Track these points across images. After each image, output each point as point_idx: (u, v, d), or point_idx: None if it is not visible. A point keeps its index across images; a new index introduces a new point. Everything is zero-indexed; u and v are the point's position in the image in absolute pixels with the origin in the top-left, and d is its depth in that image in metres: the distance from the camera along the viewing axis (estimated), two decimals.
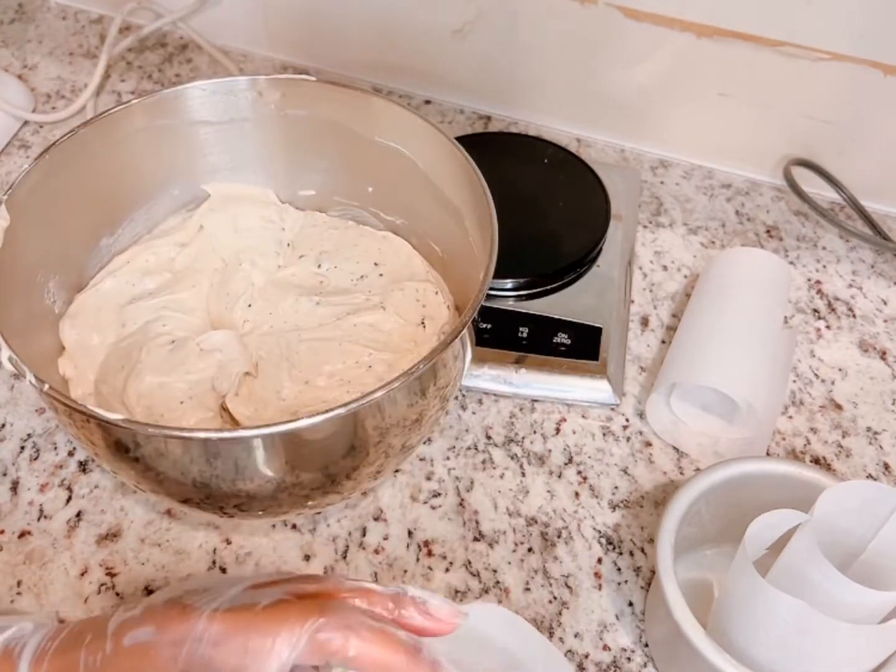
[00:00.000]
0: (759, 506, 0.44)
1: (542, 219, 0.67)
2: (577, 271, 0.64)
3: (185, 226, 0.59)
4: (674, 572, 0.45)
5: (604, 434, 0.59)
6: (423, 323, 0.55)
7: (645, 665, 0.49)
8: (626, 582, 0.52)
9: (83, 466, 0.56)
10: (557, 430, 0.59)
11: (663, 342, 0.64)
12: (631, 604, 0.51)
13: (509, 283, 0.62)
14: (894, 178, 0.71)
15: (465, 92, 0.79)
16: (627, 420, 0.59)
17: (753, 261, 0.62)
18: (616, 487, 0.56)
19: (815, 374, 0.62)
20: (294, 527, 0.54)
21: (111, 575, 0.51)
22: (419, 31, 0.76)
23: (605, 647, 0.49)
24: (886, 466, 0.58)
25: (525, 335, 0.60)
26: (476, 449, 0.58)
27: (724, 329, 0.58)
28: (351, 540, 0.53)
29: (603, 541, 0.54)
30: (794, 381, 0.62)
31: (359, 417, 0.43)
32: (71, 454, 0.56)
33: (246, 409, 0.50)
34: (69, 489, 0.55)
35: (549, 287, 0.63)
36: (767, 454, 0.57)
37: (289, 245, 0.60)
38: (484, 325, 0.61)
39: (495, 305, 0.62)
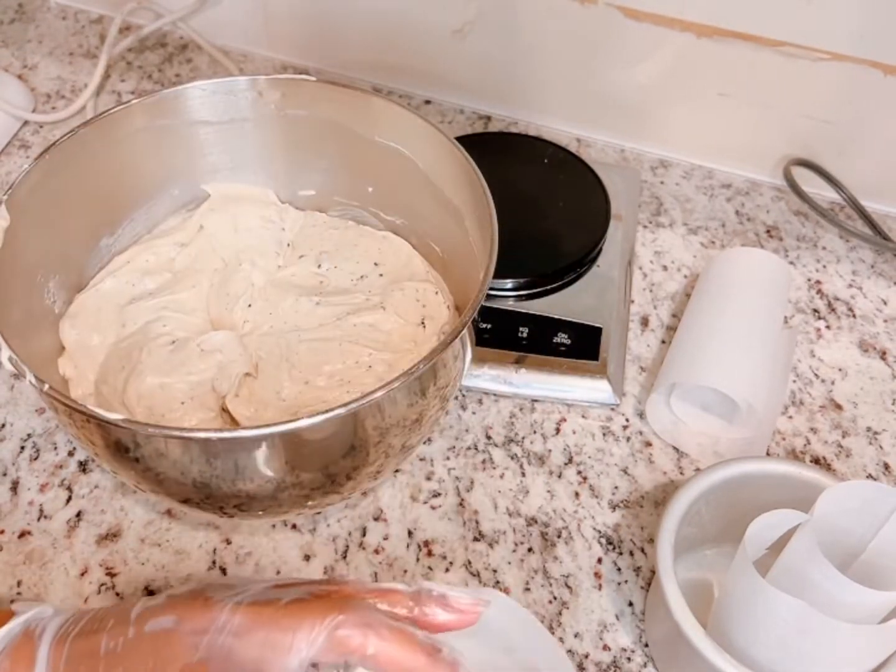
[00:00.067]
0: (759, 506, 0.44)
1: (542, 219, 0.67)
2: (577, 271, 0.64)
3: (185, 226, 0.59)
4: (674, 572, 0.45)
5: (604, 434, 0.59)
6: (423, 323, 0.55)
7: (645, 665, 0.49)
8: (626, 582, 0.52)
9: (83, 466, 0.56)
10: (557, 430, 0.59)
11: (663, 342, 0.64)
12: (631, 604, 0.51)
13: (509, 283, 0.62)
14: (894, 178, 0.71)
15: (465, 92, 0.79)
16: (627, 420, 0.59)
17: (753, 261, 0.62)
18: (616, 487, 0.56)
19: (815, 374, 0.62)
20: (294, 527, 0.54)
21: (111, 575, 0.51)
22: (419, 31, 0.76)
23: (605, 647, 0.50)
24: (886, 466, 0.58)
25: (525, 335, 0.60)
26: (476, 449, 0.58)
27: (724, 329, 0.58)
28: (351, 540, 0.53)
29: (603, 541, 0.54)
30: (794, 381, 0.62)
31: (359, 417, 0.43)
32: (71, 454, 0.56)
33: (246, 409, 0.50)
34: (69, 489, 0.55)
35: (549, 287, 0.63)
36: (767, 454, 0.57)
37: (289, 245, 0.60)
38: (484, 325, 0.61)
39: (495, 305, 0.62)
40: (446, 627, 0.36)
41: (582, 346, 0.60)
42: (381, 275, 0.58)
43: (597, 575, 0.52)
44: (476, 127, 0.79)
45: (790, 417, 0.60)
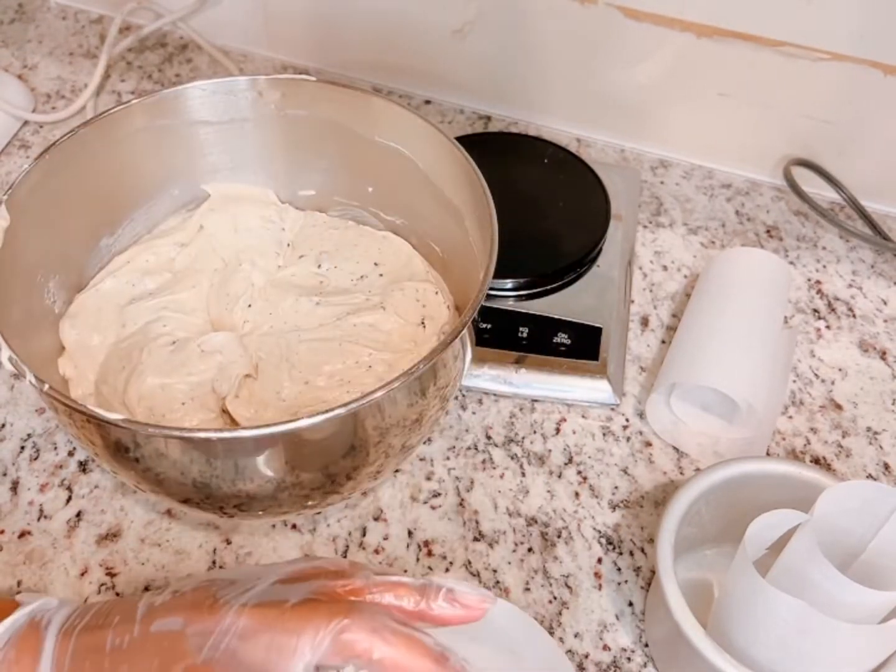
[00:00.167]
0: (759, 506, 0.44)
1: (542, 219, 0.67)
2: (577, 271, 0.64)
3: (185, 226, 0.59)
4: (674, 572, 0.45)
5: (604, 434, 0.59)
6: (423, 323, 0.55)
7: (645, 665, 0.49)
8: (626, 582, 0.52)
9: (83, 466, 0.56)
10: (557, 430, 0.59)
11: (663, 342, 0.64)
12: (631, 604, 0.51)
13: (509, 283, 0.62)
14: (894, 178, 0.71)
15: (465, 92, 0.79)
16: (627, 420, 0.59)
17: (753, 261, 0.62)
18: (616, 487, 0.56)
19: (815, 374, 0.62)
20: (294, 527, 0.54)
21: (111, 575, 0.51)
22: (419, 31, 0.76)
23: (605, 647, 0.49)
24: (886, 466, 0.58)
25: (525, 335, 0.60)
26: (476, 449, 0.58)
27: (724, 329, 0.58)
28: (351, 540, 0.53)
29: (603, 541, 0.54)
30: (794, 381, 0.62)
31: (359, 417, 0.43)
32: (71, 454, 0.56)
33: (246, 410, 0.50)
34: (69, 489, 0.55)
35: (549, 287, 0.63)
36: (767, 454, 0.57)
37: (289, 245, 0.60)
38: (484, 325, 0.61)
39: (495, 305, 0.62)
40: (452, 622, 0.36)
41: (582, 346, 0.60)
42: (381, 275, 0.58)
43: (597, 575, 0.52)
44: (476, 127, 0.79)
45: (790, 417, 0.60)
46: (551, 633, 0.50)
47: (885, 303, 0.67)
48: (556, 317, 0.61)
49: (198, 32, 0.83)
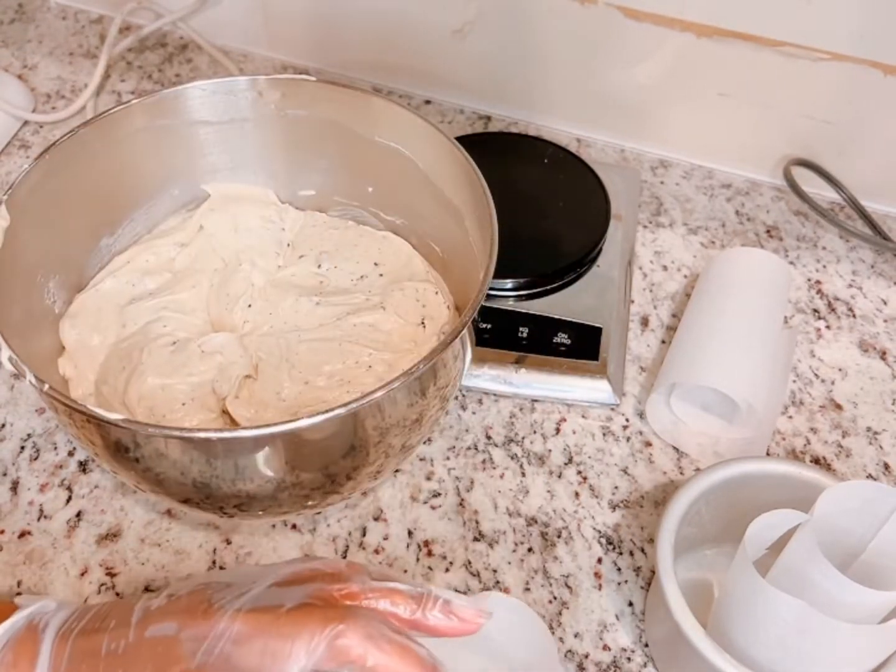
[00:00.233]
0: (759, 506, 0.44)
1: (542, 219, 0.67)
2: (577, 271, 0.64)
3: (185, 226, 0.59)
4: (674, 572, 0.45)
5: (604, 434, 0.59)
6: (423, 323, 0.55)
7: (645, 665, 0.49)
8: (626, 582, 0.52)
9: (83, 466, 0.56)
10: (557, 430, 0.59)
11: (663, 342, 0.64)
12: (631, 604, 0.51)
13: (509, 283, 0.62)
14: (894, 178, 0.71)
15: (465, 92, 0.79)
16: (627, 420, 0.59)
17: (753, 261, 0.62)
18: (616, 487, 0.56)
19: (815, 374, 0.62)
20: (294, 527, 0.54)
21: (111, 575, 0.51)
22: (419, 31, 0.76)
23: (605, 647, 0.49)
24: (886, 466, 0.58)
25: (525, 335, 0.60)
26: (476, 449, 0.58)
27: (724, 329, 0.58)
28: (351, 540, 0.53)
29: (603, 541, 0.54)
30: (794, 381, 0.62)
31: (359, 417, 0.43)
32: (71, 454, 0.56)
33: (246, 411, 0.50)
34: (69, 489, 0.55)
35: (549, 287, 0.63)
36: (767, 454, 0.57)
37: (289, 245, 0.60)
38: (484, 325, 0.61)
39: (495, 305, 0.62)
40: (445, 633, 0.36)
41: (582, 346, 0.60)
42: (381, 275, 0.58)
43: (597, 575, 0.52)
44: (476, 127, 0.79)
45: (790, 417, 0.60)
46: (551, 634, 0.49)
47: (885, 303, 0.67)
48: (556, 317, 0.61)
49: (198, 32, 0.83)
